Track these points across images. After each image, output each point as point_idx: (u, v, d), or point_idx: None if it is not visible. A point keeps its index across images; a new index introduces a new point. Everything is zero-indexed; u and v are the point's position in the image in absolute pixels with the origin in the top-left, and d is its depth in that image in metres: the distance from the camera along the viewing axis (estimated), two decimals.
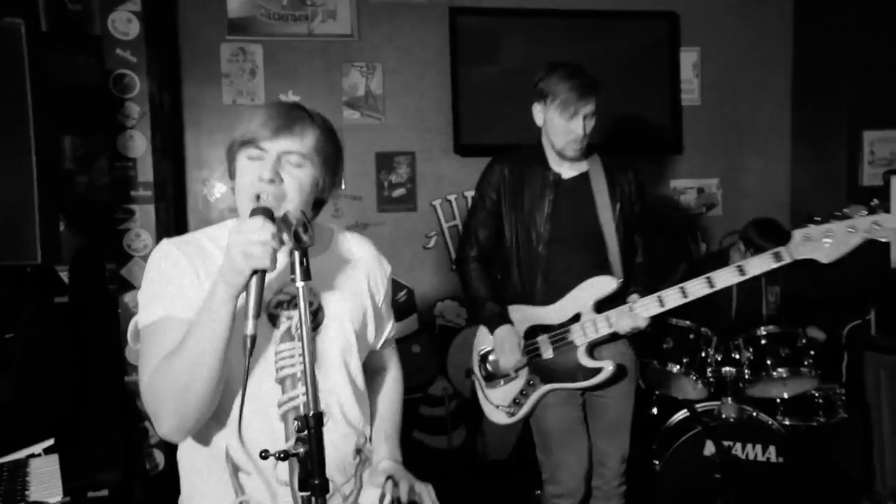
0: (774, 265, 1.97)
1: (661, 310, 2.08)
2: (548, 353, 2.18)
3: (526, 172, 2.22)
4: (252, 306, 1.04)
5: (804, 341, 2.72)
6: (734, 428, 2.58)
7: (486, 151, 3.45)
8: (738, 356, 2.73)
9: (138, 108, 2.92)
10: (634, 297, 2.14)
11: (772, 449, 2.55)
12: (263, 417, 1.20)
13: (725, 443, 2.54)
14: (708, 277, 2.03)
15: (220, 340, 1.10)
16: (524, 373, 2.21)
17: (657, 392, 2.91)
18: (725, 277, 2.01)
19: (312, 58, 3.48)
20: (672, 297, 2.07)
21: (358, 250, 1.43)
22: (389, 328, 1.50)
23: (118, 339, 2.87)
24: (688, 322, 2.73)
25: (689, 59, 3.78)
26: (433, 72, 3.57)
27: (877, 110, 3.53)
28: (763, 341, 2.72)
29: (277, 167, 1.19)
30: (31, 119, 1.82)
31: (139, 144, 2.92)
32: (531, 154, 2.26)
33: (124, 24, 2.90)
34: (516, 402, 2.22)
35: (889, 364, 3.03)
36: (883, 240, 1.88)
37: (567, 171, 2.24)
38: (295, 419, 1.05)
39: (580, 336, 2.14)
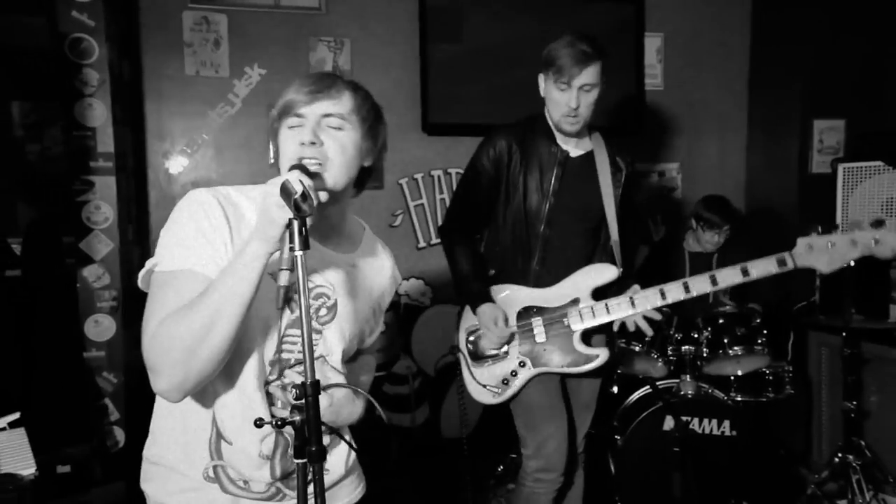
0: (777, 270, 1.98)
1: (664, 303, 2.05)
2: (540, 336, 2.13)
3: (531, 147, 2.11)
4: (285, 258, 1.01)
5: (758, 321, 2.85)
6: (692, 404, 2.68)
7: (453, 130, 3.50)
8: (696, 335, 2.83)
9: (97, 75, 2.80)
10: (636, 287, 2.09)
11: (726, 423, 2.67)
12: (244, 395, 1.18)
13: (684, 418, 2.64)
14: (712, 276, 2.03)
15: (246, 296, 1.06)
16: (514, 353, 2.15)
17: (619, 370, 3.00)
18: (729, 277, 2.01)
19: (279, 30, 3.39)
20: (674, 292, 2.04)
21: (380, 258, 1.43)
22: (379, 329, 1.49)
23: (76, 314, 2.78)
24: None
25: (652, 45, 3.86)
26: (401, 48, 3.53)
27: (827, 100, 3.68)
28: (721, 320, 2.84)
29: (317, 130, 1.18)
30: None
31: (99, 113, 2.81)
32: (536, 127, 2.15)
33: None
34: (504, 383, 2.15)
35: (830, 343, 3.20)
36: (881, 257, 1.90)
37: (574, 148, 2.15)
38: (293, 387, 1.05)
39: (577, 322, 2.10)
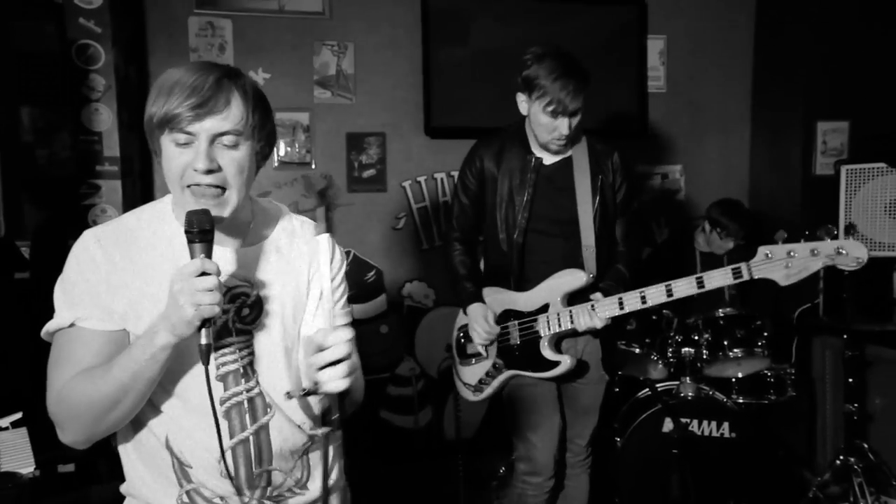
0: (732, 281, 1.94)
1: (621, 312, 2.04)
2: (515, 339, 2.19)
3: (506, 157, 2.18)
4: (204, 360, 1.03)
5: (758, 323, 2.85)
6: (692, 406, 2.69)
7: (456, 133, 3.52)
8: (696, 337, 2.84)
9: (104, 81, 2.85)
10: (598, 295, 2.10)
11: (725, 425, 2.67)
12: (204, 416, 1.12)
13: (683, 420, 2.65)
14: (668, 286, 2.00)
15: (151, 381, 1.09)
16: (493, 355, 2.22)
17: (620, 372, 3.01)
18: (684, 288, 1.98)
19: (283, 35, 3.43)
20: (632, 302, 2.03)
21: (296, 228, 1.32)
22: (343, 306, 1.38)
23: None
24: None
25: (655, 47, 3.86)
26: (405, 52, 3.56)
27: (830, 101, 3.67)
28: (721, 322, 2.84)
29: (212, 154, 1.09)
30: None
31: (105, 118, 2.86)
32: (513, 136, 2.21)
33: None
34: (481, 383, 2.25)
35: (834, 345, 3.19)
36: (844, 269, 1.83)
37: (549, 156, 2.19)
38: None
39: (545, 327, 2.14)
